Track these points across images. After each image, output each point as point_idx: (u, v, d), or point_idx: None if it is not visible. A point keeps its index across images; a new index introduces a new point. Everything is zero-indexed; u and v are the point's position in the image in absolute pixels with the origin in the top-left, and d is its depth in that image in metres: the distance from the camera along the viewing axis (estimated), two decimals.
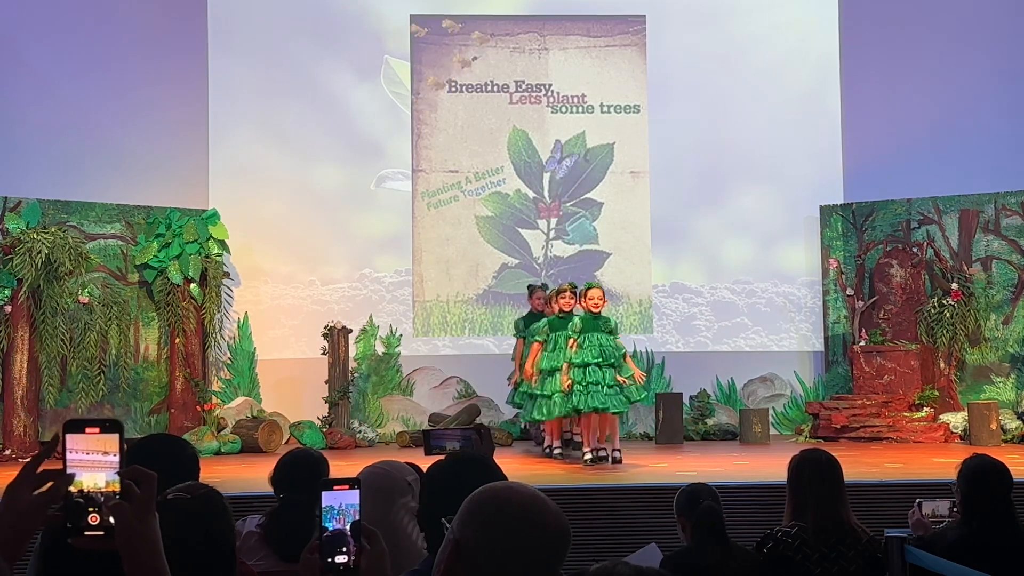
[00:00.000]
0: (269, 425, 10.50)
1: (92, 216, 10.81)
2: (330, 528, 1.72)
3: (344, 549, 1.71)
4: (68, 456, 1.58)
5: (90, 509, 1.57)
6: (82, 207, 10.78)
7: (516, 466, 8.29)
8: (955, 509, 4.03)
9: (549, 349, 8.67)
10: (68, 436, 1.58)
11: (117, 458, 1.59)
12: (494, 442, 3.27)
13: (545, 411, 8.63)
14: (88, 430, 1.59)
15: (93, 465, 1.58)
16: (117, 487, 1.58)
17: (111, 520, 1.57)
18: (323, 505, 1.73)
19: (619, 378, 8.30)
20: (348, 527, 1.72)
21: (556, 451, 8.93)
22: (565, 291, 8.81)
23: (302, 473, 3.60)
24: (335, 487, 1.75)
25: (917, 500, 4.20)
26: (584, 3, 12.35)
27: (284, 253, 11.90)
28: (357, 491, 1.76)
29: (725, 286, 12.14)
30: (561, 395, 8.40)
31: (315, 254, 11.94)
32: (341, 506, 1.74)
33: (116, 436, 1.60)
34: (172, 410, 10.89)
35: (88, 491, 1.57)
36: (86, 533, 1.57)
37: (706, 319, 12.08)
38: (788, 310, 12.09)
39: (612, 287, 11.62)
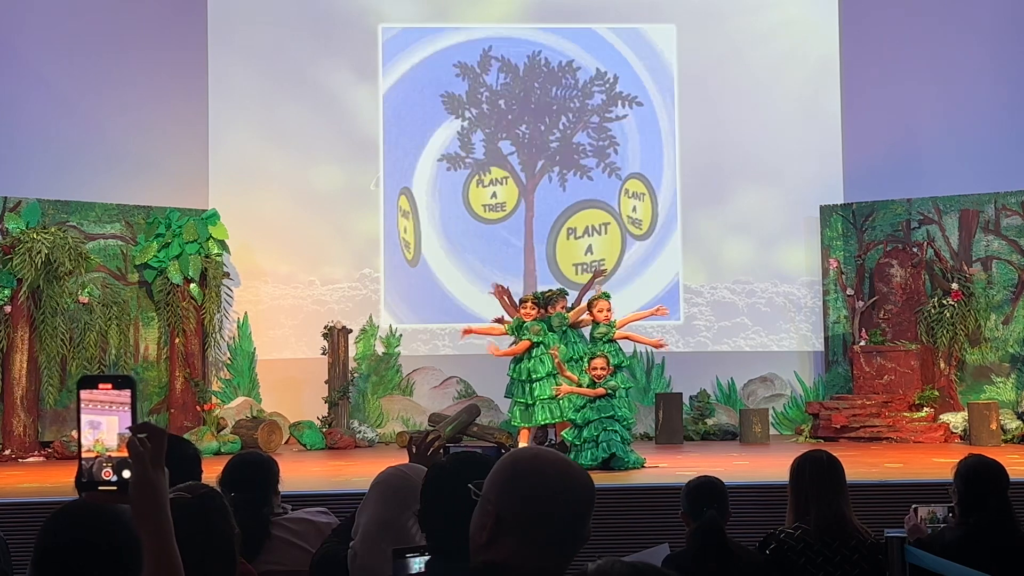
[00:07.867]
0: (269, 425, 10.50)
1: (92, 216, 10.81)
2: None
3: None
4: (82, 411, 1.59)
5: (104, 464, 1.58)
6: (82, 207, 10.77)
7: None
8: (951, 514, 4.02)
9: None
10: (82, 392, 1.60)
11: (129, 412, 1.60)
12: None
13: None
14: (101, 386, 1.61)
15: (106, 419, 1.60)
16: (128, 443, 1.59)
17: (124, 475, 1.58)
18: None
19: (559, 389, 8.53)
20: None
21: None
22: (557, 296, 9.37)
23: (251, 473, 3.59)
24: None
25: (912, 505, 4.19)
26: (583, 4, 12.33)
27: (284, 253, 11.89)
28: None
29: (725, 286, 12.13)
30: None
31: (315, 254, 11.93)
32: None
33: (128, 392, 1.61)
34: (172, 410, 10.88)
35: (102, 446, 1.59)
36: (99, 488, 1.58)
37: (706, 319, 12.07)
38: (788, 310, 12.08)
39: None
